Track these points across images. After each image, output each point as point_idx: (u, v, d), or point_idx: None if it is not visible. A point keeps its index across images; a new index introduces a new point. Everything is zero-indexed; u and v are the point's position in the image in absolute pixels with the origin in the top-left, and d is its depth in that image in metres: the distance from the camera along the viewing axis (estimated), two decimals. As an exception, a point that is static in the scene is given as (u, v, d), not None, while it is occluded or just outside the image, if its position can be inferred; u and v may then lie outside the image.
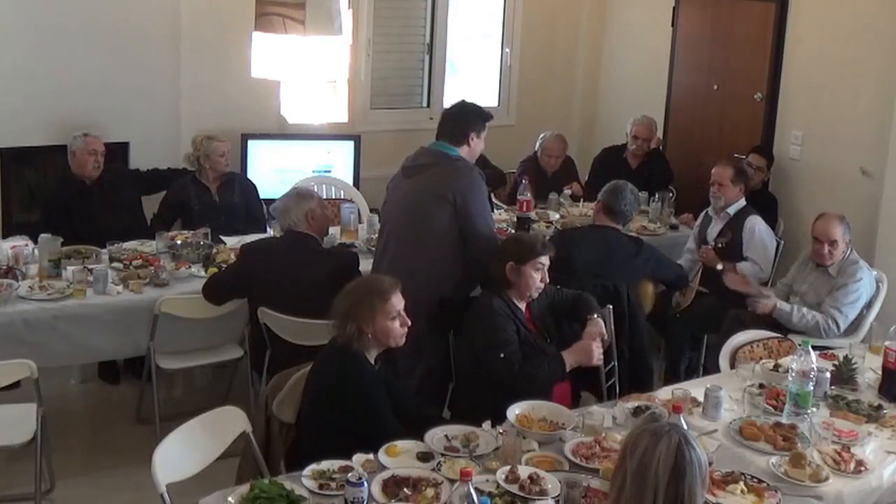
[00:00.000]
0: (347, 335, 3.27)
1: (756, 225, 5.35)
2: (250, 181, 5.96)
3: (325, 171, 6.46)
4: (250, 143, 6.32)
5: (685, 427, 2.95)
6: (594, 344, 3.85)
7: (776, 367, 3.85)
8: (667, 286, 5.10)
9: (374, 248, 4.88)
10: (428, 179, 4.21)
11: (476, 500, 2.57)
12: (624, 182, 4.80)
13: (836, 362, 3.86)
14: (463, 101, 4.43)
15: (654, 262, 4.72)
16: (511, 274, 3.89)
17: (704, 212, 5.63)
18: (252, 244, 4.60)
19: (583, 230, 4.89)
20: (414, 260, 4.13)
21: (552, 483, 2.88)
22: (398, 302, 3.35)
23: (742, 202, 5.45)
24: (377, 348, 3.36)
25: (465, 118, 4.30)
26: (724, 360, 4.13)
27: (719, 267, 5.28)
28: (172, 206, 5.57)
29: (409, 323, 3.38)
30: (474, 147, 4.31)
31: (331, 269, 4.35)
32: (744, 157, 5.98)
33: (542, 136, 6.61)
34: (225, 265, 4.75)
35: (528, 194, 5.64)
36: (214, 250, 4.95)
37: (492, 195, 5.80)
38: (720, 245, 5.36)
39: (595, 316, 3.98)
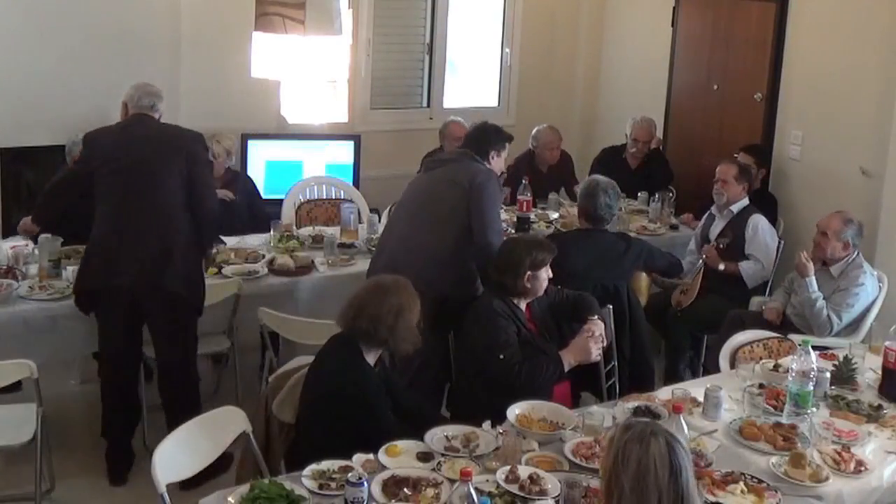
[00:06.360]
0: (364, 331, 3.27)
1: (759, 223, 5.35)
2: (252, 181, 5.96)
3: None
4: (250, 143, 6.33)
5: (685, 427, 2.96)
6: (591, 340, 3.86)
7: (776, 367, 3.85)
8: (662, 275, 5.12)
9: (373, 248, 4.88)
10: (446, 170, 4.39)
11: (476, 500, 2.57)
12: (597, 183, 4.71)
13: (836, 362, 3.85)
14: (485, 122, 4.57)
15: (647, 255, 4.72)
16: (529, 282, 3.91)
17: (708, 212, 5.62)
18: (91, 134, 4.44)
19: (571, 235, 4.87)
20: (423, 237, 4.21)
21: (552, 483, 2.88)
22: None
23: (745, 201, 5.45)
24: (376, 351, 3.37)
25: (486, 137, 4.45)
26: (724, 360, 4.12)
27: (721, 267, 5.28)
28: None
29: (420, 344, 3.40)
30: (494, 165, 4.44)
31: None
32: (735, 155, 5.96)
33: (534, 131, 6.52)
34: (225, 265, 4.74)
35: (528, 194, 5.64)
36: (214, 250, 4.94)
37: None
38: (721, 245, 5.35)
39: (594, 317, 3.98)
